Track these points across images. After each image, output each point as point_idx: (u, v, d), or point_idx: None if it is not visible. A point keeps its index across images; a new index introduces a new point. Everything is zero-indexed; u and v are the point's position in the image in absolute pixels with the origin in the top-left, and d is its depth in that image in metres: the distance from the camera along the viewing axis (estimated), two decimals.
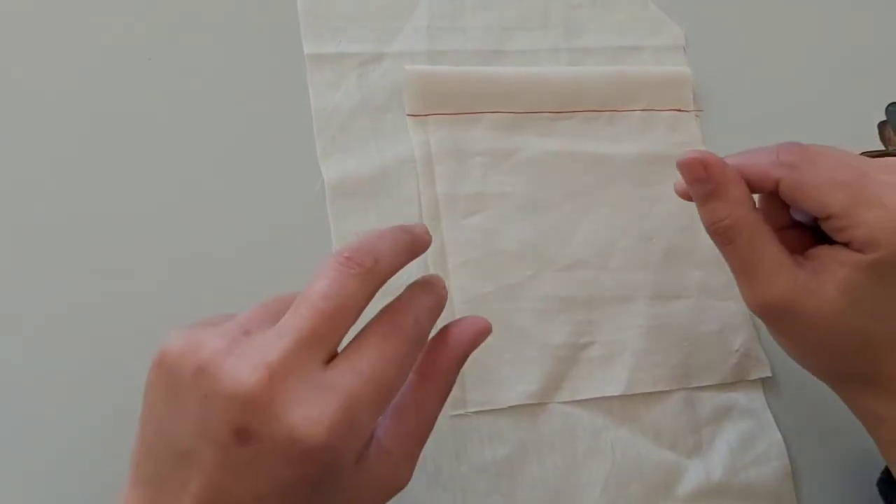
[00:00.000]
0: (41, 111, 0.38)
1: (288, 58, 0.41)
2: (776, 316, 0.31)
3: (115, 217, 0.37)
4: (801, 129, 0.46)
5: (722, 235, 0.31)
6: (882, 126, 0.47)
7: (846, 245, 0.30)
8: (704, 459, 0.38)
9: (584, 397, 0.38)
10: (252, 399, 0.23)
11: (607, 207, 0.42)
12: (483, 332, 0.29)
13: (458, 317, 0.37)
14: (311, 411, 0.23)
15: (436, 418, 0.28)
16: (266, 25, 0.41)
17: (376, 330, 0.26)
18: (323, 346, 0.25)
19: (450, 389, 0.29)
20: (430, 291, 0.29)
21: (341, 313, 0.25)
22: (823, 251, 0.31)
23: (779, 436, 0.40)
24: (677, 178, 0.43)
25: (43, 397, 0.33)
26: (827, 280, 0.30)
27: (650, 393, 0.39)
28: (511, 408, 0.37)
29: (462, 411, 0.37)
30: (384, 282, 0.27)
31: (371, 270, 0.26)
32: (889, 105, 0.48)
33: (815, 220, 0.31)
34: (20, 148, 0.37)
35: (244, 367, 0.24)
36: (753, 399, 0.40)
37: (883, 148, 0.47)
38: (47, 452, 0.33)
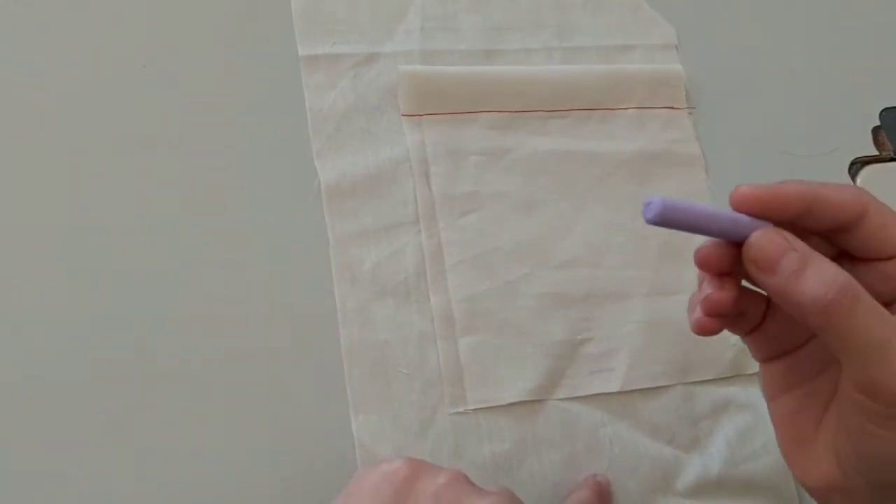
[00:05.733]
0: (36, 119, 0.38)
1: (282, 59, 0.41)
2: None
3: (110, 221, 0.37)
4: (793, 127, 0.46)
5: (839, 305, 0.23)
6: (876, 131, 0.48)
7: None
8: (703, 454, 0.39)
9: (582, 394, 0.38)
10: None
11: (602, 205, 0.42)
12: None
13: (455, 316, 0.37)
14: None
15: None
16: (260, 28, 0.41)
17: None
18: None
19: None
20: None
21: None
22: None
23: None
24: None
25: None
26: None
27: (648, 388, 0.39)
28: (510, 405, 0.37)
29: (462, 409, 0.37)
30: None
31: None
32: (883, 110, 0.48)
33: None
34: (16, 154, 0.37)
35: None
36: (750, 393, 0.40)
37: (877, 153, 0.47)
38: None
